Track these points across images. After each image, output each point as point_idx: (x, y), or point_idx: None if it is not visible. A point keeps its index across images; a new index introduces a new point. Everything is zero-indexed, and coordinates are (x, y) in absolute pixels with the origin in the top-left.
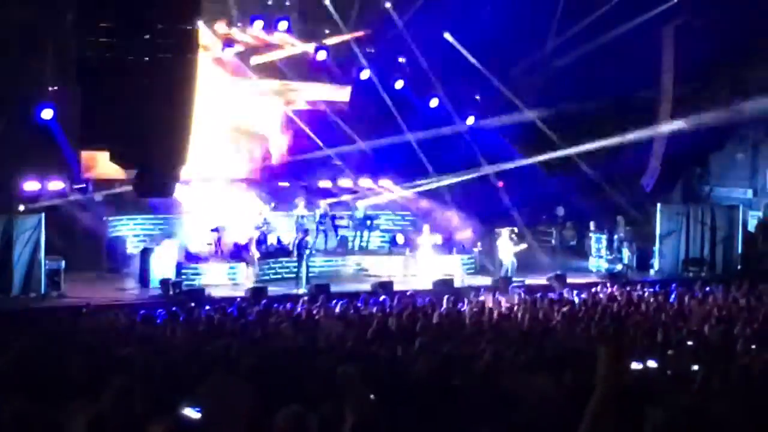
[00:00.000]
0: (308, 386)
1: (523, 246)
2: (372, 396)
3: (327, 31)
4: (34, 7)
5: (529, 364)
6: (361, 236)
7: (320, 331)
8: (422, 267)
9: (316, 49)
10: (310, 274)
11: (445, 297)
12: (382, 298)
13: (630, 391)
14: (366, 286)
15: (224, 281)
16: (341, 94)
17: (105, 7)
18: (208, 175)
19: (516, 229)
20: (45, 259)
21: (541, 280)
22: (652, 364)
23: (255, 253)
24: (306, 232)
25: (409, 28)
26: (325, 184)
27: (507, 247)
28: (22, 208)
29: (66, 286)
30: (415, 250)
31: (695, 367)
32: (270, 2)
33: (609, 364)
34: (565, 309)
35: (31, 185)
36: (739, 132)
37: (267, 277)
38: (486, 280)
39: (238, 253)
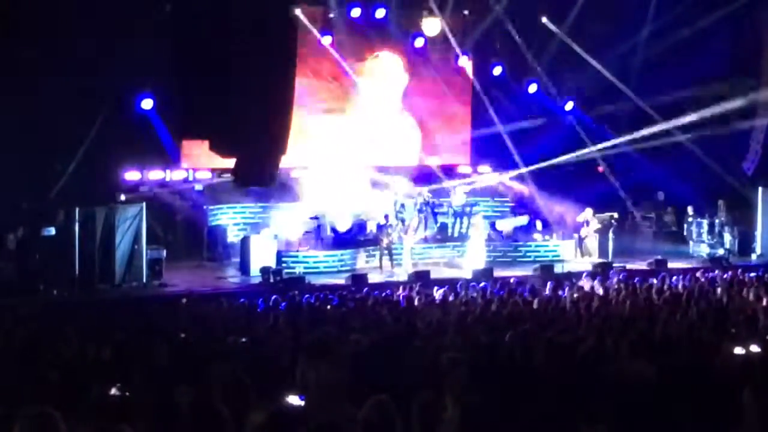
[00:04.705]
0: (408, 373)
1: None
2: (474, 382)
3: (425, 15)
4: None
5: (630, 351)
6: (461, 223)
7: (420, 317)
8: (471, 255)
9: (414, 36)
10: (411, 260)
11: (547, 283)
12: (482, 284)
13: (734, 375)
14: (466, 273)
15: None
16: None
17: None
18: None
19: (616, 215)
20: (146, 248)
21: (642, 266)
22: (754, 348)
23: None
24: (387, 218)
25: (507, 13)
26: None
27: (596, 230)
28: (123, 197)
29: (167, 275)
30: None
31: None
32: None
33: None
34: (666, 294)
35: (131, 175)
36: None
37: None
38: (586, 265)
39: (337, 241)
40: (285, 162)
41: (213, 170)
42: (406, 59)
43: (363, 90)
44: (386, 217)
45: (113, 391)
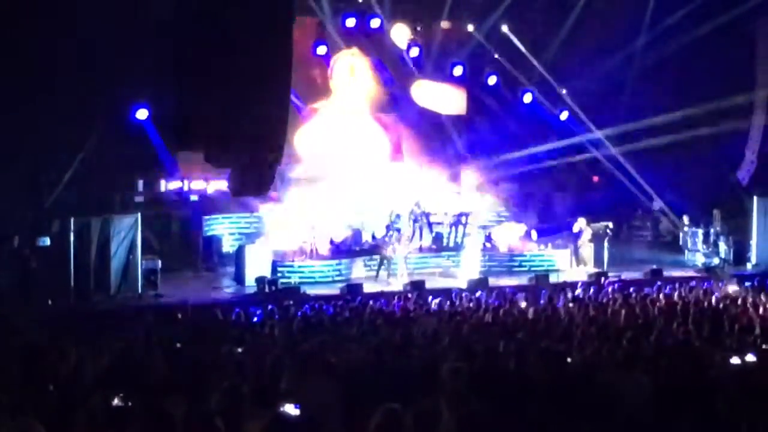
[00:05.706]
0: (404, 383)
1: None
2: (470, 392)
3: (419, 28)
4: (129, 9)
5: (625, 360)
6: (456, 233)
7: (416, 327)
8: (466, 264)
9: (409, 46)
10: (408, 271)
11: (542, 292)
12: (477, 294)
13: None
14: (461, 283)
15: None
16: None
17: (198, 7)
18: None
19: (611, 224)
20: (141, 259)
21: (638, 275)
22: (750, 357)
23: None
24: (388, 228)
25: (501, 22)
26: None
27: (591, 239)
28: (118, 208)
29: (162, 286)
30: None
31: None
32: None
33: None
34: (661, 304)
35: (126, 185)
36: None
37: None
38: (582, 275)
39: (333, 251)
40: (280, 170)
41: (208, 180)
42: (401, 67)
43: (358, 99)
44: (388, 227)
45: (109, 401)
